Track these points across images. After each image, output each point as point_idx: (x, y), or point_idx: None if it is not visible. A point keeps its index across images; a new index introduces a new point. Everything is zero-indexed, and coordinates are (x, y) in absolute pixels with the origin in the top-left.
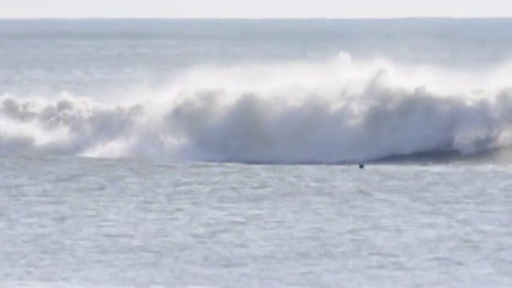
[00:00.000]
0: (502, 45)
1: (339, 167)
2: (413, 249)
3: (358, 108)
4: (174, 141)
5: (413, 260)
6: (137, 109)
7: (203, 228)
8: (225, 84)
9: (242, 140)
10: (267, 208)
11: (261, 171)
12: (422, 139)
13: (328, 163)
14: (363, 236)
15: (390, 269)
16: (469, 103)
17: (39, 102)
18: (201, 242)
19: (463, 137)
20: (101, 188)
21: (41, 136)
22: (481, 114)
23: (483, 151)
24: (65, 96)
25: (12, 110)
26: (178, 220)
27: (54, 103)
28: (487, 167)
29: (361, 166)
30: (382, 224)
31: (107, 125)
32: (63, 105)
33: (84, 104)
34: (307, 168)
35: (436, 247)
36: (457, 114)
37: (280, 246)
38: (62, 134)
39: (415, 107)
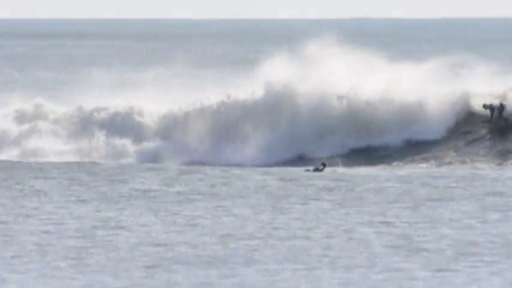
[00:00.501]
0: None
1: (279, 169)
2: (352, 250)
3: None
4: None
5: (355, 262)
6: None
7: (147, 228)
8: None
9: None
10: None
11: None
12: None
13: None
14: (311, 237)
15: (330, 269)
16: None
17: None
18: (143, 243)
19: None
20: (54, 189)
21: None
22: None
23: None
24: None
25: None
26: (128, 221)
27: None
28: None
29: (324, 165)
30: (322, 224)
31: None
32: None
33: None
34: (253, 170)
35: (376, 248)
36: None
37: (227, 248)
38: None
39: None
